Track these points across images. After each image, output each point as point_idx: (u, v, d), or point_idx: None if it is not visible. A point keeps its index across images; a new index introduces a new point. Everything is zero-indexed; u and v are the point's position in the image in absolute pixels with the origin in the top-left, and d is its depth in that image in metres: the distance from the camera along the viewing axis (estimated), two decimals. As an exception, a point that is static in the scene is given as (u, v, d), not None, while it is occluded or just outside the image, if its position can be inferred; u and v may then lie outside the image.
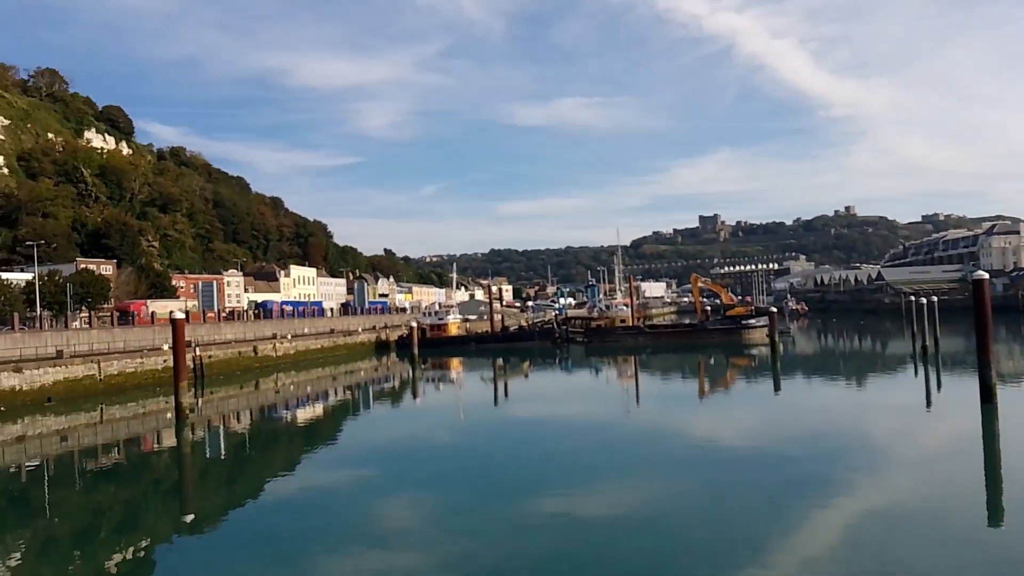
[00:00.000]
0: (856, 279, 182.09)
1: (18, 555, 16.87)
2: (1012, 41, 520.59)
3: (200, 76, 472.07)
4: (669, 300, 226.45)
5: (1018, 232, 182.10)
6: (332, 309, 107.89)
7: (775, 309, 68.08)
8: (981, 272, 29.76)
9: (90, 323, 59.15)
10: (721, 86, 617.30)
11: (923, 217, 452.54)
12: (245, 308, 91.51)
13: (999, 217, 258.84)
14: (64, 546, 17.55)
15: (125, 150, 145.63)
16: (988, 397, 26.74)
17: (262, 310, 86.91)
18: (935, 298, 56.10)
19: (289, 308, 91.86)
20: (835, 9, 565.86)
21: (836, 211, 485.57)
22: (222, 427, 36.44)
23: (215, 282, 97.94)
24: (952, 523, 15.50)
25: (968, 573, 12.68)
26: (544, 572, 13.78)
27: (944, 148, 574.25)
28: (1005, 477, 19.33)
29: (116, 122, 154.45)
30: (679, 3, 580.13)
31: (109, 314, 64.71)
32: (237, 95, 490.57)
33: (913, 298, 60.06)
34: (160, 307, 74.36)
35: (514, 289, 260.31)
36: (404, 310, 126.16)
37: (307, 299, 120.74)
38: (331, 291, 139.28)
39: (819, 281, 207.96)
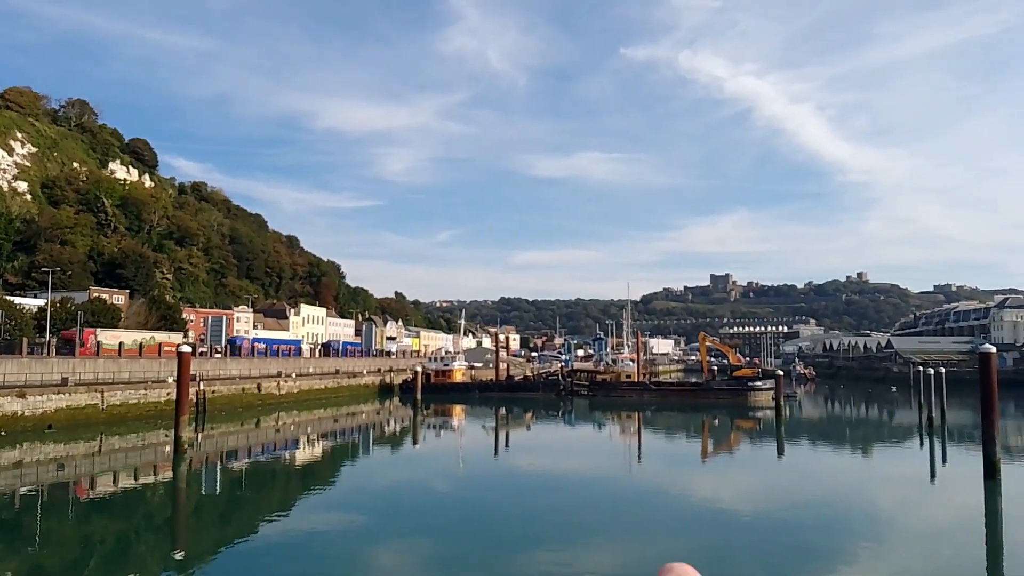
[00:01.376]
0: (865, 346, 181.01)
1: (5, 584, 16.79)
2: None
3: (229, 114, 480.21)
4: (676, 357, 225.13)
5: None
6: (310, 349, 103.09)
7: (782, 372, 67.69)
8: (988, 346, 29.69)
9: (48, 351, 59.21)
10: (740, 147, 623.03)
11: (935, 287, 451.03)
12: (214, 345, 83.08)
13: (1012, 291, 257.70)
14: (52, 577, 17.45)
15: (147, 183, 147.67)
16: (992, 473, 26.43)
17: (231, 345, 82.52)
18: (943, 369, 55.67)
19: (262, 346, 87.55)
20: (854, 78, 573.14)
21: (848, 277, 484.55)
22: (220, 464, 36.27)
23: (224, 317, 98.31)
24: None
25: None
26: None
27: (960, 219, 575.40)
28: (1006, 555, 19.02)
29: (141, 155, 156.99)
30: (701, 65, 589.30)
31: (48, 342, 58.91)
32: (263, 135, 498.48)
33: (921, 368, 59.64)
34: (110, 337, 65.20)
35: (522, 338, 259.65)
36: (390, 354, 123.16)
37: (315, 338, 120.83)
38: (339, 331, 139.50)
39: (828, 346, 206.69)
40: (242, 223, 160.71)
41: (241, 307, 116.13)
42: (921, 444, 43.89)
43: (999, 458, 26.89)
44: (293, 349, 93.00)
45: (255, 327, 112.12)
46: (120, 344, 62.76)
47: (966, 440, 43.55)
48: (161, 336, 71.22)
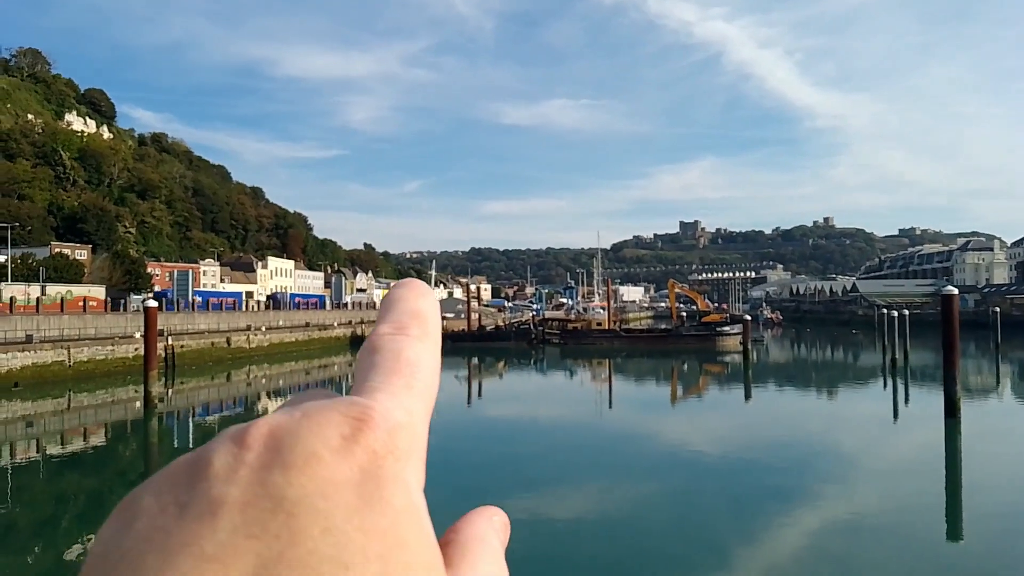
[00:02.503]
0: (831, 290, 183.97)
1: (-24, 542, 16.67)
2: (991, 60, 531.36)
3: (187, 63, 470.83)
4: (646, 304, 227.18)
5: (991, 249, 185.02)
6: (259, 303, 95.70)
7: (749, 317, 68.56)
8: (951, 288, 30.30)
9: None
10: (709, 93, 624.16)
11: (900, 231, 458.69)
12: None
13: (974, 233, 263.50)
14: (24, 535, 17.37)
15: (106, 134, 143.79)
16: (952, 411, 27.13)
17: (162, 299, 77.51)
18: (906, 311, 56.86)
19: (199, 300, 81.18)
20: (820, 22, 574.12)
21: (815, 222, 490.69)
22: (191, 418, 36.18)
23: (191, 271, 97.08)
24: (914, 536, 15.75)
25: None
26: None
27: (923, 164, 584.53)
28: (965, 491, 19.65)
29: (98, 105, 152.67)
30: (671, 9, 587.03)
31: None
32: (223, 83, 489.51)
33: (885, 311, 60.78)
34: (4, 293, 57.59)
35: (493, 288, 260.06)
36: (345, 305, 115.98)
37: (284, 291, 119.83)
38: (308, 284, 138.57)
39: (795, 291, 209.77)
40: (205, 175, 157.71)
41: (207, 260, 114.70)
42: (884, 385, 44.96)
43: (959, 397, 27.61)
44: (235, 302, 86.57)
45: (222, 280, 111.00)
46: (12, 299, 57.06)
47: (928, 380, 44.61)
48: (80, 290, 66.19)
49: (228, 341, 64.63)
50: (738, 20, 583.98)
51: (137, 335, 51.81)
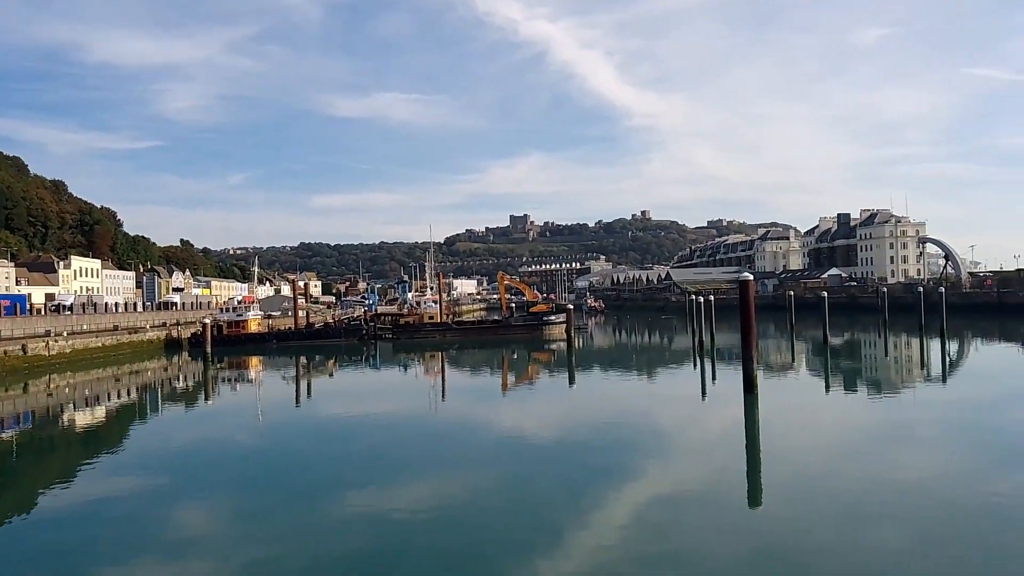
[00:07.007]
0: (648, 279, 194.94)
1: None
2: (789, 65, 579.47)
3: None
4: (479, 297, 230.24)
5: (787, 238, 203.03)
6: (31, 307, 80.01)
7: (572, 306, 71.62)
8: (747, 274, 33.10)
9: None
10: (535, 91, 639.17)
11: (708, 223, 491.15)
12: None
13: (773, 224, 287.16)
14: None
15: None
16: (750, 387, 29.70)
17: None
18: (712, 297, 61.34)
19: None
20: (639, 25, 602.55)
21: (633, 215, 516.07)
22: (-15, 435, 32.89)
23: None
24: (720, 504, 17.14)
25: (733, 550, 14.17)
26: (350, 571, 13.85)
27: (730, 160, 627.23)
28: (763, 461, 21.61)
29: None
30: (496, 6, 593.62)
31: None
32: (21, 68, 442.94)
33: (695, 297, 65.23)
34: None
35: (324, 284, 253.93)
36: (173, 305, 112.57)
37: (89, 292, 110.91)
38: (118, 285, 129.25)
39: (616, 280, 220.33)
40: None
41: (0, 261, 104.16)
42: (694, 366, 48.41)
43: (756, 374, 30.24)
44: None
45: (18, 283, 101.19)
46: None
47: (732, 360, 48.28)
48: None
49: (24, 349, 59.15)
50: (561, 21, 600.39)
51: (-85, 346, 46.40)
